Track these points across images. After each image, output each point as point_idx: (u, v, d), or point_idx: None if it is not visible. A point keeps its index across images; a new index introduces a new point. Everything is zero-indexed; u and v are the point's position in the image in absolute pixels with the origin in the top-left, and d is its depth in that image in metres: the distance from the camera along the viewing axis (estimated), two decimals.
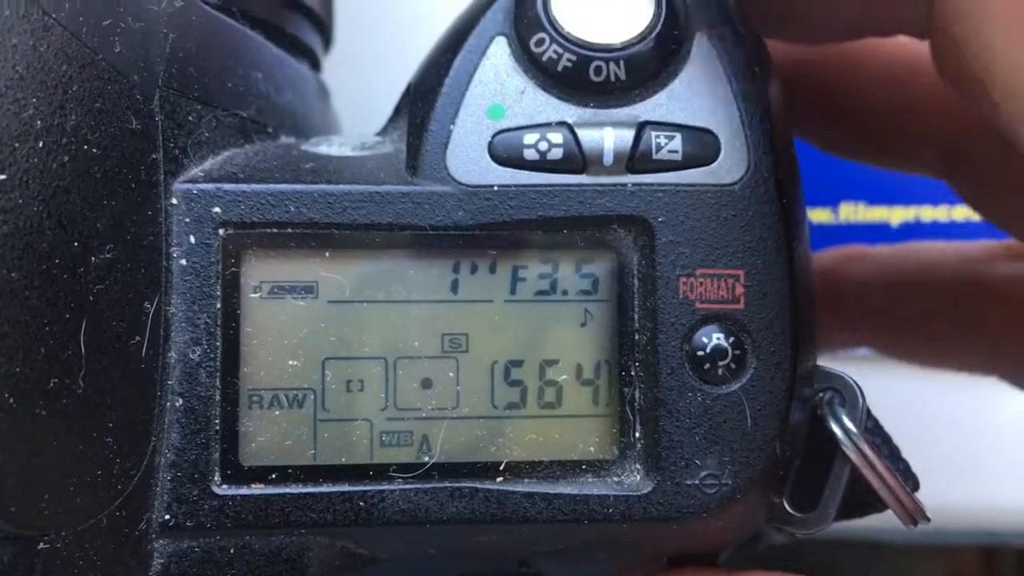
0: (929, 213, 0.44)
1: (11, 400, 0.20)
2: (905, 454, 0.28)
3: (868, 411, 0.27)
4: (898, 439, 0.28)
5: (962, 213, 0.44)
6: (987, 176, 0.30)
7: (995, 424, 0.44)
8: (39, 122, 0.20)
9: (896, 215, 0.44)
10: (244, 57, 0.26)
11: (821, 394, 0.26)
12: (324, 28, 0.33)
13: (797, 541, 0.30)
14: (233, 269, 0.23)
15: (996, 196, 0.31)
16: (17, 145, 0.20)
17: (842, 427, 0.25)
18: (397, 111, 0.27)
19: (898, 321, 0.35)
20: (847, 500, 0.26)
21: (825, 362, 0.26)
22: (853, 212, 0.44)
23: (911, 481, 0.27)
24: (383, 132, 0.27)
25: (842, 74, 0.30)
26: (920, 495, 0.26)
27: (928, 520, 0.26)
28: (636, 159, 0.24)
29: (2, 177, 0.19)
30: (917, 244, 0.36)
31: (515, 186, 0.24)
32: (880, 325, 0.35)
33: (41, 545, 0.21)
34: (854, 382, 0.26)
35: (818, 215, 0.44)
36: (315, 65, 0.33)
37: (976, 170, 0.30)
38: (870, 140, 0.32)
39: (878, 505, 0.26)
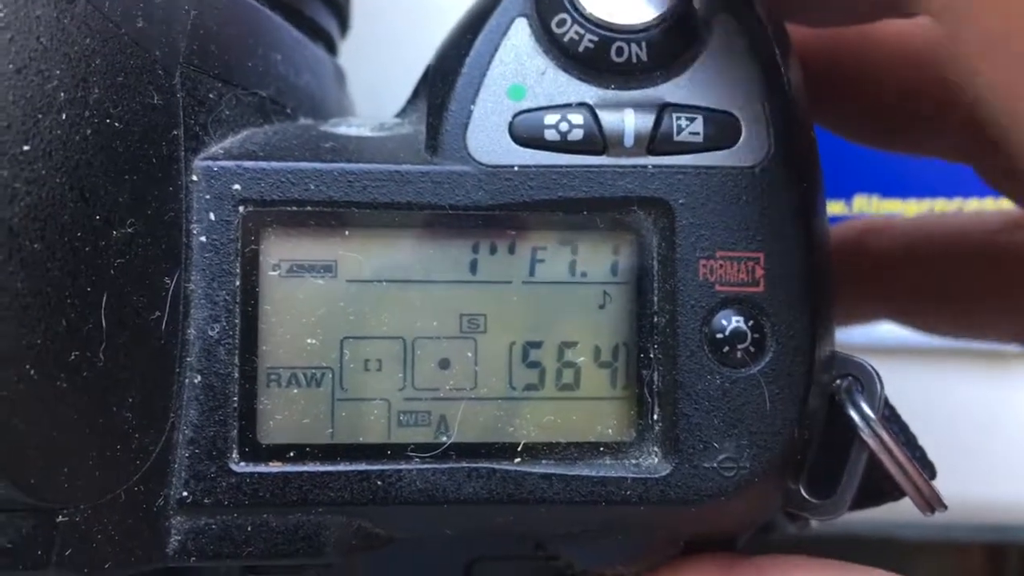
0: (942, 205, 0.44)
1: (32, 372, 0.20)
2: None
3: (886, 399, 0.26)
4: (917, 432, 0.28)
5: (975, 206, 0.44)
6: (1011, 160, 0.30)
7: (1003, 420, 0.44)
8: (62, 94, 0.20)
9: (910, 207, 0.44)
10: (264, 37, 0.26)
11: (839, 380, 0.26)
12: (341, 13, 0.33)
13: (806, 536, 0.30)
14: (252, 247, 0.23)
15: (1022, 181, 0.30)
16: (40, 116, 0.19)
17: (860, 413, 0.25)
18: (416, 93, 0.27)
19: (920, 292, 0.35)
20: (864, 488, 0.26)
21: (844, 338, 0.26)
22: (867, 204, 0.44)
23: (928, 469, 0.27)
24: (402, 114, 0.27)
25: (860, 57, 0.30)
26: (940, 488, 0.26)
27: (945, 507, 0.26)
28: (657, 141, 0.24)
29: (26, 148, 0.19)
30: (938, 215, 0.36)
31: (535, 167, 0.24)
32: (902, 297, 0.35)
33: (60, 518, 0.21)
34: (872, 369, 0.26)
35: (832, 207, 0.44)
36: (332, 49, 0.33)
37: (999, 153, 0.30)
38: (890, 124, 0.32)
39: (895, 493, 0.26)
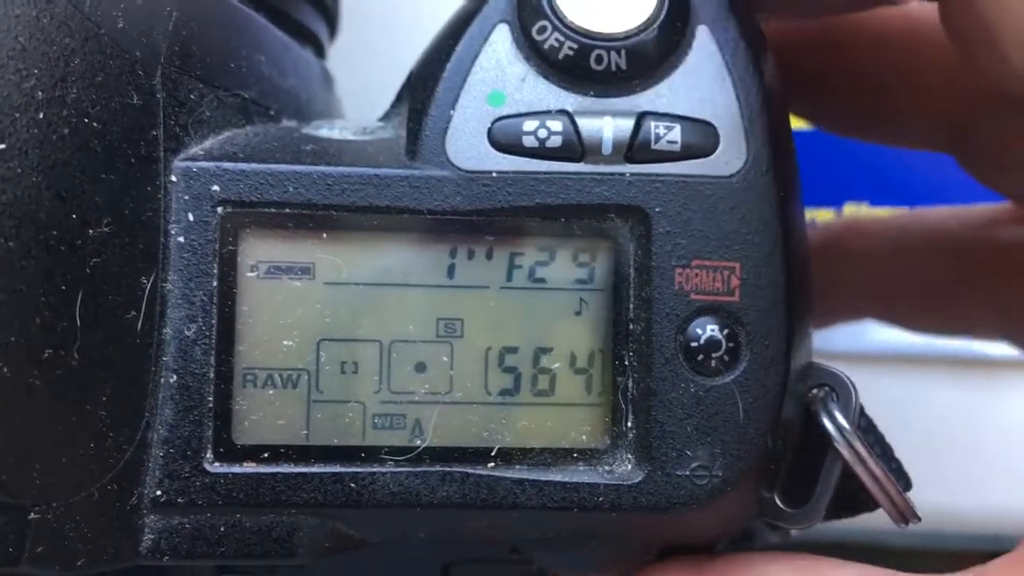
0: None
1: (5, 369, 0.20)
2: (907, 456, 0.28)
3: (862, 410, 0.26)
4: (900, 441, 0.28)
5: None
6: (994, 146, 0.30)
7: (998, 426, 0.44)
8: (40, 93, 0.20)
9: None
10: (248, 39, 0.26)
11: (815, 390, 0.26)
12: (329, 16, 0.33)
13: (794, 543, 0.30)
14: (230, 248, 0.23)
15: (1005, 168, 0.30)
16: (18, 115, 0.20)
17: (835, 423, 0.25)
18: (399, 97, 0.27)
19: (903, 290, 0.35)
20: (839, 498, 0.26)
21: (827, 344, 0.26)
22: (857, 213, 0.44)
23: (903, 480, 0.27)
24: (385, 118, 0.27)
25: (843, 47, 0.30)
26: (920, 497, 0.26)
27: (919, 519, 0.26)
28: (635, 149, 0.24)
29: (2, 146, 0.19)
30: (919, 211, 0.36)
31: (513, 173, 0.24)
32: (885, 295, 0.35)
33: (32, 515, 0.21)
34: (848, 379, 0.26)
35: (822, 216, 0.44)
36: (320, 52, 0.33)
37: (982, 140, 0.30)
38: (873, 115, 0.32)
39: (870, 504, 0.26)
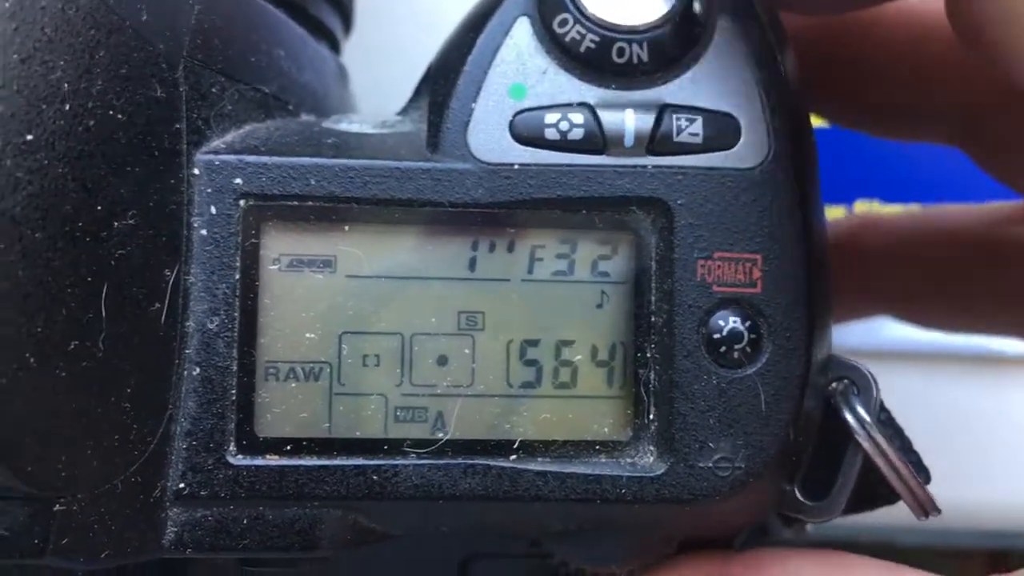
0: None
1: (32, 360, 0.20)
2: (921, 452, 0.28)
3: (882, 403, 0.27)
4: (914, 437, 0.28)
5: None
6: (1004, 139, 0.30)
7: (1011, 423, 0.44)
8: (66, 85, 0.20)
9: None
10: (268, 33, 0.26)
11: (836, 383, 0.26)
12: (345, 11, 0.33)
13: (806, 541, 0.30)
14: (253, 240, 0.23)
15: (1014, 160, 0.30)
16: (44, 107, 0.20)
17: (856, 416, 0.25)
18: (418, 91, 0.27)
19: (917, 287, 0.35)
20: (859, 491, 0.26)
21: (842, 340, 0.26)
22: (867, 209, 0.44)
23: (923, 473, 0.27)
24: (404, 112, 0.27)
25: (852, 40, 0.30)
26: (934, 492, 0.26)
27: (939, 512, 0.26)
28: (657, 141, 0.24)
29: (29, 137, 0.19)
30: (934, 208, 0.36)
31: (535, 165, 0.24)
32: (900, 292, 0.35)
33: (57, 507, 0.21)
34: (869, 372, 0.26)
35: (833, 212, 0.44)
36: (335, 47, 0.33)
37: (992, 133, 0.30)
38: (884, 109, 0.32)
39: (890, 497, 0.26)
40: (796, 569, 0.24)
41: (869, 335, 0.42)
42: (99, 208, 0.21)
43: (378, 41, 0.40)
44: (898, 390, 0.28)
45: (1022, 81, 0.22)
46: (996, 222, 0.34)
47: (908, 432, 0.28)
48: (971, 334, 0.37)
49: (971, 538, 0.46)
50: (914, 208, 0.42)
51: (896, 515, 0.27)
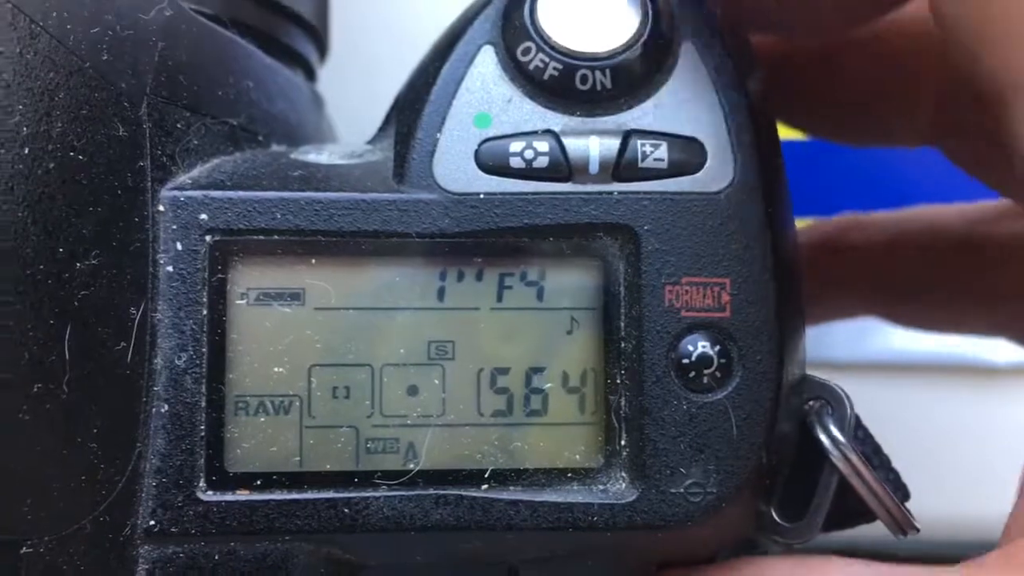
0: None
1: None
2: (908, 464, 0.27)
3: (858, 421, 0.26)
4: (901, 449, 0.27)
5: None
6: (982, 139, 0.30)
7: (1000, 434, 0.44)
8: (25, 129, 0.20)
9: None
10: (235, 66, 0.27)
11: (810, 403, 0.26)
12: (318, 37, 0.33)
13: (798, 551, 0.30)
14: (220, 276, 0.23)
15: (993, 159, 0.30)
16: (3, 151, 0.20)
17: (829, 436, 0.25)
18: (387, 121, 0.27)
19: (901, 286, 0.34)
20: (836, 510, 0.26)
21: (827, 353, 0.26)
22: None
23: (901, 491, 0.27)
24: (373, 141, 0.27)
25: (825, 53, 0.30)
26: (923, 505, 0.26)
27: (917, 530, 0.26)
28: (622, 167, 0.24)
29: None
30: (917, 208, 0.35)
31: (501, 194, 0.24)
32: (883, 291, 0.35)
33: (24, 549, 0.21)
34: (843, 391, 0.26)
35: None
36: (310, 74, 0.33)
37: (971, 133, 0.30)
38: (858, 114, 0.32)
39: (868, 515, 0.26)
40: (771, 570, 0.24)
41: (855, 347, 0.42)
42: (61, 250, 0.21)
43: (356, 65, 0.40)
44: (885, 402, 0.28)
45: (999, 70, 0.22)
46: (979, 220, 0.33)
47: (894, 444, 0.28)
48: (954, 334, 0.37)
49: (969, 548, 0.46)
50: (897, 209, 0.41)
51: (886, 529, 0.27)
